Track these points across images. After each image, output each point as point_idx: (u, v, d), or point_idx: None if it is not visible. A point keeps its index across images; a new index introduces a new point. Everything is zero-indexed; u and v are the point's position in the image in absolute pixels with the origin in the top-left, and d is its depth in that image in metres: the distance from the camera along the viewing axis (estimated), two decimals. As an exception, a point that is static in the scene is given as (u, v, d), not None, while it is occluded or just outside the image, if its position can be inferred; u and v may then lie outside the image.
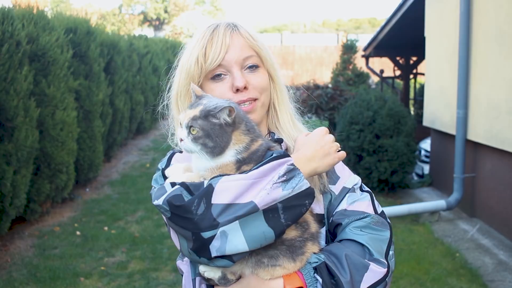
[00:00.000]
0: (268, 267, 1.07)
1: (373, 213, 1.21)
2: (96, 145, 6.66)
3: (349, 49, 10.78)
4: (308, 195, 1.05)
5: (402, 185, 6.49)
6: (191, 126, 1.07)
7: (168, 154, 1.28)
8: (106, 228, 5.22)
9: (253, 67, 1.24)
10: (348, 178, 1.27)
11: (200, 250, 1.02)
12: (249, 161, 1.09)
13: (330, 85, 9.69)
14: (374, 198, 1.26)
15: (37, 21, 5.21)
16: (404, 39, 9.05)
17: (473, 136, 5.33)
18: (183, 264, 1.27)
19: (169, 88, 1.32)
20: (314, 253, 1.12)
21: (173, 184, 1.07)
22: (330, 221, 1.22)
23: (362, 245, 1.14)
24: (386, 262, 1.13)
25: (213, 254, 1.01)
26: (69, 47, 5.84)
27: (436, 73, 6.66)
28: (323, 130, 1.20)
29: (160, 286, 3.90)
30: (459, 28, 5.33)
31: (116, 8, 26.26)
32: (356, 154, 6.40)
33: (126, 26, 23.35)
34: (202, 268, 1.13)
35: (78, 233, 5.05)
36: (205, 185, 1.03)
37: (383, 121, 6.27)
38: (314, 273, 1.09)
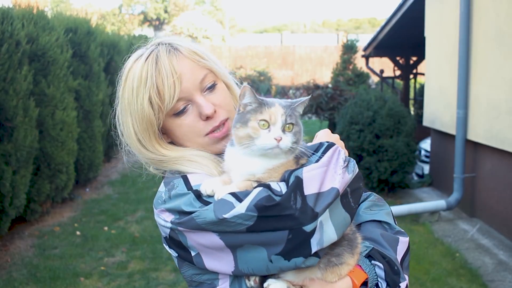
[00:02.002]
0: (337, 266, 1.05)
1: None
2: (96, 145, 6.66)
3: (349, 49, 10.77)
4: (360, 177, 1.09)
5: (402, 185, 6.48)
6: (289, 123, 1.04)
7: (178, 179, 1.11)
8: (106, 228, 5.22)
9: (212, 87, 1.17)
10: None
11: (298, 249, 0.96)
12: (301, 155, 1.08)
13: (330, 85, 9.69)
14: None
15: (37, 21, 5.21)
16: (404, 39, 9.05)
17: (473, 136, 5.33)
18: None
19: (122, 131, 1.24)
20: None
21: (233, 195, 0.99)
22: None
23: (381, 222, 1.17)
24: (404, 231, 1.19)
25: (314, 248, 0.96)
26: (68, 47, 5.84)
27: (436, 73, 6.65)
28: (328, 130, 1.23)
29: (160, 286, 3.89)
30: (459, 28, 5.33)
31: (116, 8, 26.26)
32: (356, 154, 6.39)
33: (126, 26, 23.35)
34: (274, 286, 1.03)
35: (78, 233, 5.05)
36: (291, 179, 0.99)
37: (383, 121, 6.27)
38: (370, 261, 1.09)
